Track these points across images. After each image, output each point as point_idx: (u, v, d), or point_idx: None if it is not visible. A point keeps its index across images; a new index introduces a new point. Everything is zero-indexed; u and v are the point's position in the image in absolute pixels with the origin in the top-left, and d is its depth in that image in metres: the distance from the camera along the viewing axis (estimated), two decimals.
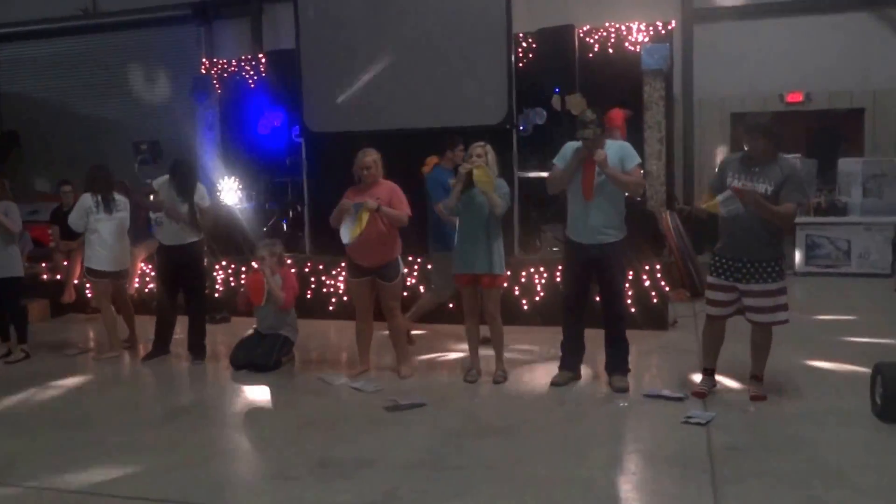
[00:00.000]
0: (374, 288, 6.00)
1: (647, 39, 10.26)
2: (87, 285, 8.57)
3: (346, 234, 5.70)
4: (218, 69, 12.79)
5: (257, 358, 6.26)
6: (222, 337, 7.48)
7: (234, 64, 12.70)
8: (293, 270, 7.60)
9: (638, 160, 5.44)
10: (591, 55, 9.89)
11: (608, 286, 5.50)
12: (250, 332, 6.62)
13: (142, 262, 8.66)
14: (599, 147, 5.29)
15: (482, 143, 5.70)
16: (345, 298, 8.07)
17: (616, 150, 5.39)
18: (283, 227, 9.36)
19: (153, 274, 8.62)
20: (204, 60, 12.98)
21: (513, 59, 7.78)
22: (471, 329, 5.88)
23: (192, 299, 6.76)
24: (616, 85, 9.52)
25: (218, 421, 5.24)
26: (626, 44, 10.18)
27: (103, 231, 6.82)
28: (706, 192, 5.37)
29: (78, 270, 8.76)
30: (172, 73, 14.34)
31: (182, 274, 6.68)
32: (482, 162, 5.54)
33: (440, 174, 6.45)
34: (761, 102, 11.28)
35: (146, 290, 8.67)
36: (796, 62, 11.12)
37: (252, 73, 12.56)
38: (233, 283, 8.50)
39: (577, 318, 5.65)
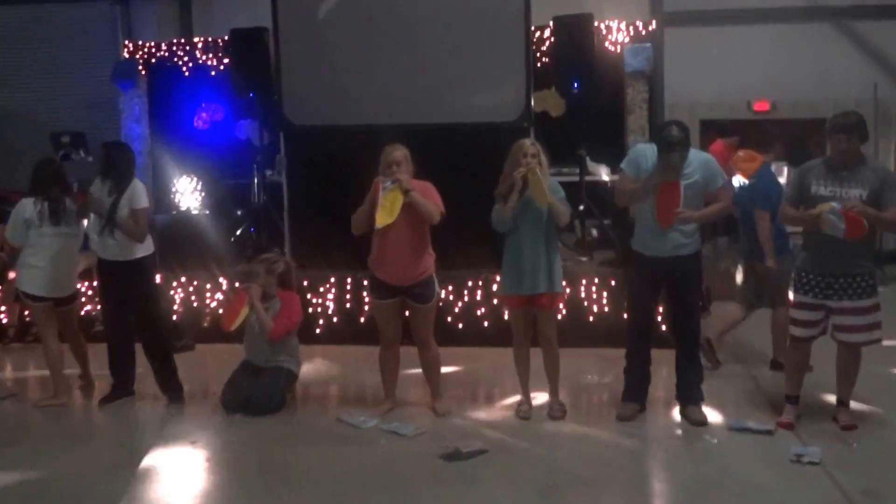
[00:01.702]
0: (403, 311, 5.13)
1: (626, 40, 9.81)
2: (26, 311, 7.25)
3: (375, 219, 4.83)
4: (144, 54, 11.46)
5: (256, 397, 5.19)
6: (191, 370, 6.03)
7: (165, 48, 11.41)
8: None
9: (724, 180, 4.88)
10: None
11: (683, 303, 4.93)
12: (238, 365, 5.51)
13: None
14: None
15: (532, 140, 4.97)
16: (334, 320, 7.12)
17: (699, 165, 4.79)
18: (252, 236, 8.25)
19: (90, 293, 7.42)
20: (127, 43, 11.58)
21: (531, 48, 7.05)
22: (522, 357, 5.14)
23: (146, 327, 5.49)
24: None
25: (231, 492, 4.16)
26: (607, 43, 9.68)
27: (45, 248, 5.44)
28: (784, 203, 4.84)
29: None
30: (84, 57, 12.72)
31: (130, 296, 5.41)
32: (536, 163, 4.79)
33: None
34: (729, 110, 11.05)
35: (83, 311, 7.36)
36: (763, 70, 11.00)
37: (186, 59, 11.30)
38: (195, 304, 7.34)
39: (647, 343, 5.01)
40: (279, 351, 5.40)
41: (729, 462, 4.35)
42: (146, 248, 5.45)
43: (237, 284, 5.41)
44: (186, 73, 11.23)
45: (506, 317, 6.83)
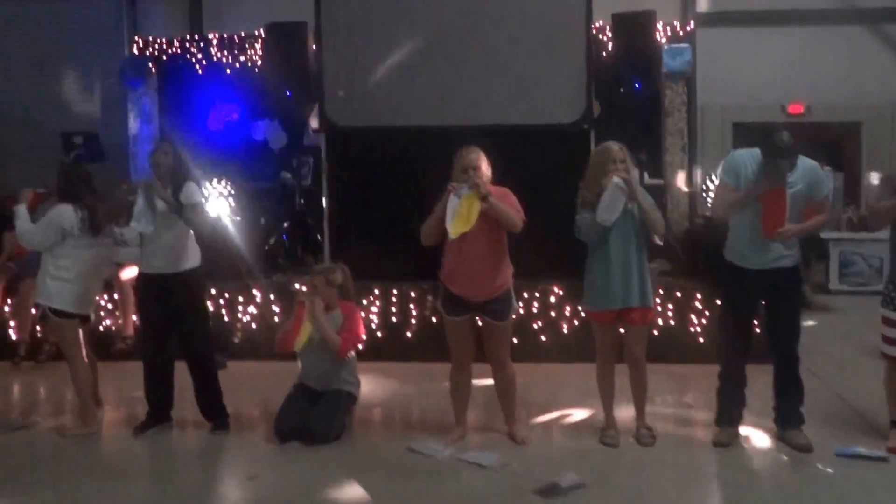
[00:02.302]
0: (477, 328, 4.71)
1: (663, 40, 9.44)
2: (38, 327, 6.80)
3: (450, 227, 4.40)
4: (154, 51, 10.96)
5: (316, 424, 4.72)
6: (226, 391, 5.29)
7: (177, 45, 10.91)
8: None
9: (829, 188, 4.56)
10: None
11: (783, 318, 4.55)
12: (293, 388, 5.04)
13: None
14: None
15: (620, 145, 4.61)
16: (378, 335, 6.68)
17: (804, 172, 4.44)
18: (284, 244, 7.78)
19: (109, 307, 6.95)
20: (136, 39, 11.07)
21: (592, 45, 6.66)
22: (607, 377, 4.74)
23: (194, 344, 5.01)
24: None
25: None
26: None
27: (80, 261, 4.98)
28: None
29: None
30: (88, 55, 12.18)
31: (177, 313, 4.93)
32: (625, 169, 4.44)
33: None
34: (763, 113, 10.71)
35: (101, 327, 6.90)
36: (797, 73, 10.72)
37: (200, 56, 10.81)
38: (226, 318, 6.87)
39: (744, 363, 4.61)
40: (340, 371, 4.96)
41: (853, 494, 3.98)
42: (195, 260, 4.99)
43: (298, 298, 4.91)
44: (199, 71, 10.74)
45: (564, 330, 6.53)
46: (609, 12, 8.75)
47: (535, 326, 6.56)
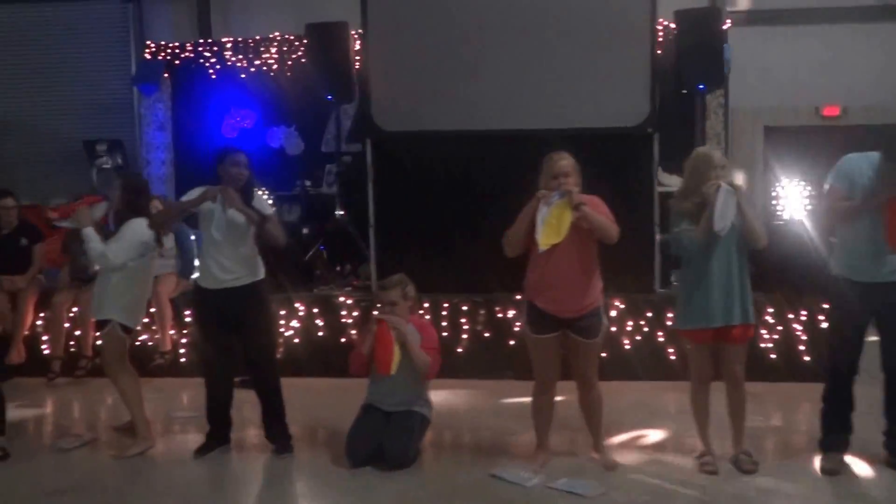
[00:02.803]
0: (564, 346, 4.37)
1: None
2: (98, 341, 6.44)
3: (540, 238, 4.09)
4: (166, 55, 10.57)
5: (392, 449, 4.39)
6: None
7: (190, 49, 10.53)
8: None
9: None
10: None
11: None
12: (361, 410, 4.69)
13: None
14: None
15: (722, 151, 4.27)
16: (459, 350, 6.32)
17: None
18: (322, 255, 7.40)
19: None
20: (149, 43, 10.67)
21: (656, 45, 6.34)
22: (703, 400, 4.41)
23: (262, 364, 4.73)
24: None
25: None
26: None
27: (148, 276, 4.94)
28: None
29: (29, 319, 6.54)
30: (93, 60, 11.73)
31: (242, 328, 4.64)
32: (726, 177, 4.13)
33: None
34: (796, 116, 10.41)
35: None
36: (833, 73, 10.35)
37: (213, 60, 10.43)
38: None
39: (852, 382, 4.29)
40: (414, 392, 4.62)
41: None
42: (261, 272, 4.71)
43: (377, 316, 4.54)
44: (213, 76, 10.36)
45: (626, 346, 6.19)
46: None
47: None
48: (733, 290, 4.16)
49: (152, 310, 6.49)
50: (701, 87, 7.05)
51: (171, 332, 6.58)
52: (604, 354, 6.13)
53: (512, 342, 6.20)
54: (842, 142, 10.37)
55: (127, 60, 11.16)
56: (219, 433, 4.82)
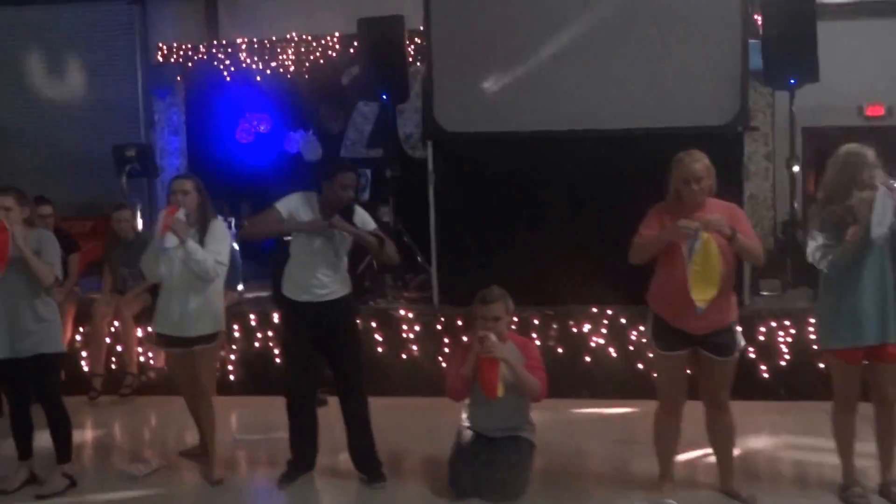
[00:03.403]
0: (693, 364, 3.95)
1: None
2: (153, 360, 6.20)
3: (693, 289, 3.64)
4: (179, 57, 10.06)
5: (502, 479, 3.96)
6: (331, 431, 4.65)
7: (203, 50, 10.03)
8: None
9: None
10: None
11: None
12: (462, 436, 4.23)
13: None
14: None
15: (873, 150, 3.86)
16: None
17: None
18: (373, 266, 6.89)
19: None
20: (161, 45, 10.15)
21: (748, 35, 5.89)
22: (849, 425, 3.96)
23: (352, 383, 4.34)
24: None
25: None
26: None
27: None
28: None
29: (68, 335, 6.03)
30: (98, 62, 11.15)
31: (330, 347, 4.29)
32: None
33: None
34: (837, 116, 10.03)
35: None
36: (876, 70, 9.95)
37: (228, 62, 9.93)
38: None
39: None
40: (519, 416, 4.17)
41: None
42: (349, 284, 4.37)
43: (478, 335, 4.07)
44: (228, 79, 9.86)
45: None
46: None
47: None
48: (887, 303, 3.75)
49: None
50: (792, 81, 6.60)
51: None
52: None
53: (588, 358, 5.78)
54: (887, 143, 10.09)
55: (132, 63, 10.65)
56: (302, 460, 4.40)
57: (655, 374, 4.00)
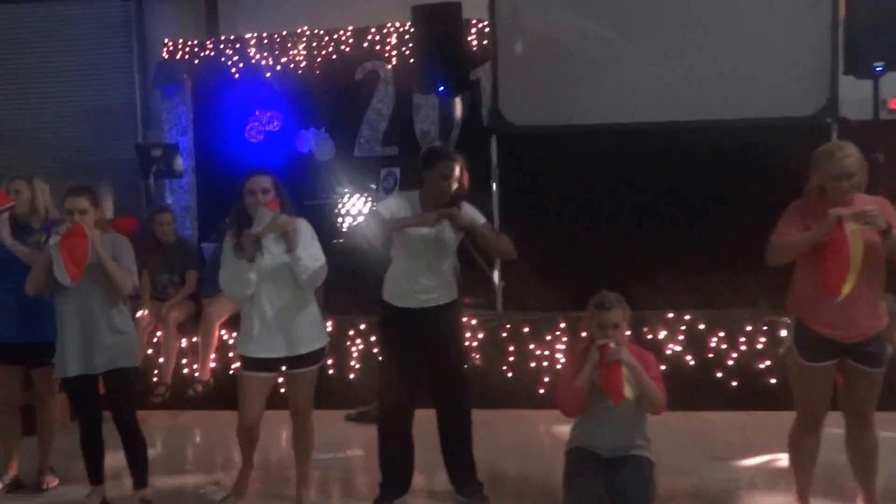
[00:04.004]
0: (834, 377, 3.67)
1: None
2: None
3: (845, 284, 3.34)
4: (185, 53, 9.59)
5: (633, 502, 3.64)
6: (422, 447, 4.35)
7: (210, 46, 9.57)
8: None
9: None
10: None
11: None
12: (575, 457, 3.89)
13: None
14: None
15: None
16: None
17: None
18: None
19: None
20: (167, 41, 9.67)
21: (838, 19, 5.61)
22: None
23: (457, 396, 4.02)
24: None
25: None
26: None
27: None
28: None
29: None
30: (92, 61, 10.57)
31: (433, 356, 3.96)
32: None
33: None
34: (858, 110, 9.84)
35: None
36: None
37: (236, 58, 9.49)
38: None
39: None
40: (637, 432, 3.83)
41: None
42: (457, 290, 4.10)
43: (598, 343, 3.73)
44: (236, 76, 9.43)
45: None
46: None
47: (762, 367, 5.49)
48: None
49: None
50: (878, 69, 6.29)
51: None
52: (771, 381, 5.51)
53: (663, 367, 5.46)
54: None
55: (129, 62, 10.19)
56: (396, 482, 4.05)
57: (796, 388, 3.69)
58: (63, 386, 4.06)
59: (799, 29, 5.50)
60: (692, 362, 5.46)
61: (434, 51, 6.48)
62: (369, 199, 7.17)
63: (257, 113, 9.35)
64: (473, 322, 5.64)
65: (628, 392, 3.59)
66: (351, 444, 4.19)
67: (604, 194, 5.64)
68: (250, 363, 3.91)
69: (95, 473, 4.06)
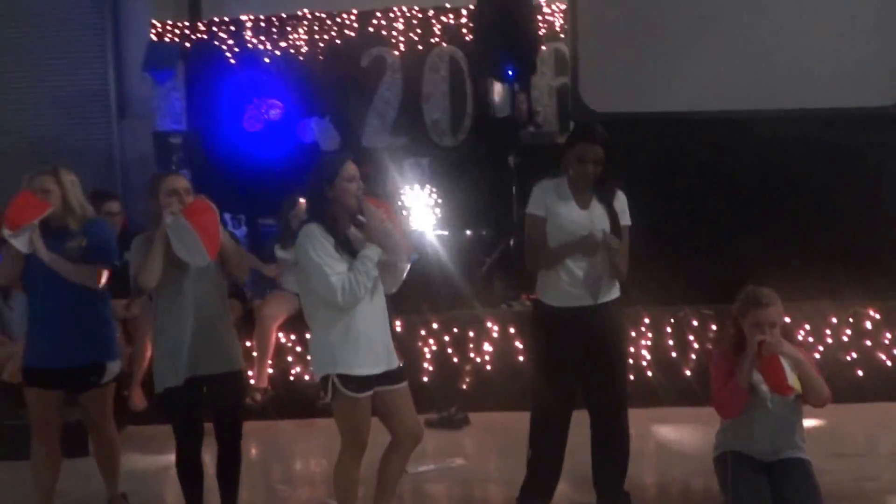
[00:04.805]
0: None
1: None
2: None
3: None
4: (175, 36, 8.97)
5: None
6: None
7: (203, 29, 8.98)
8: None
9: None
10: None
11: None
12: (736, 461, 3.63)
13: None
14: None
15: None
16: (649, 374, 5.29)
17: None
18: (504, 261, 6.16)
19: None
20: (155, 23, 9.01)
21: None
22: None
23: (617, 401, 3.71)
24: None
25: None
26: None
27: None
28: None
29: (149, 354, 5.06)
30: (63, 46, 9.81)
31: (593, 358, 3.63)
32: None
33: None
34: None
35: None
36: None
37: (231, 42, 8.91)
38: (455, 360, 5.27)
39: None
40: (795, 432, 3.61)
41: None
42: (618, 286, 3.71)
43: (757, 339, 3.46)
44: (232, 61, 8.88)
45: (887, 362, 5.36)
46: None
47: (848, 359, 5.35)
48: None
49: None
50: None
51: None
52: (859, 373, 5.39)
53: None
54: None
55: (102, 47, 9.42)
56: (543, 488, 3.73)
57: None
58: (160, 399, 3.52)
59: (880, 21, 5.38)
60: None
61: (502, 34, 6.12)
62: (432, 191, 6.73)
63: (256, 100, 8.80)
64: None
65: (795, 383, 3.39)
66: (447, 451, 3.81)
67: (687, 183, 5.44)
68: (354, 383, 3.27)
69: (196, 502, 3.54)
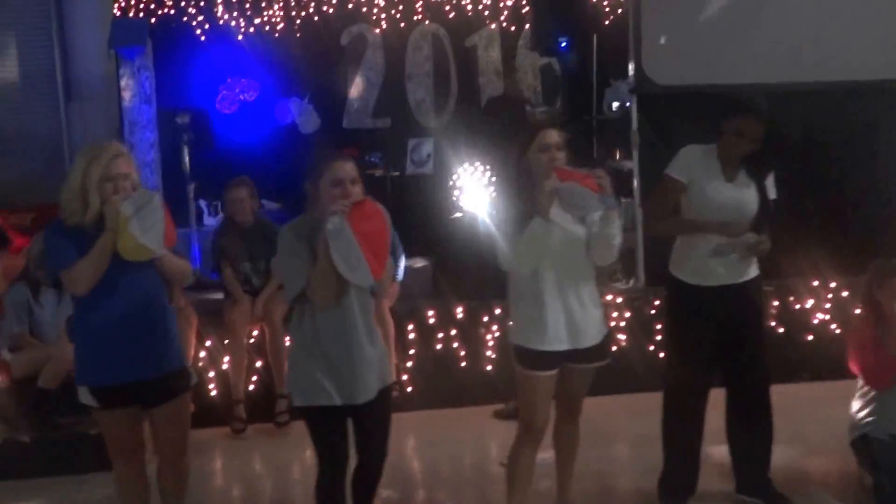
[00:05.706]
0: None
1: None
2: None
3: None
4: (140, 11, 8.27)
5: None
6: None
7: (169, 4, 8.31)
8: None
9: None
10: None
11: None
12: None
13: None
14: None
15: None
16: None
17: None
18: None
19: None
20: None
21: None
22: None
23: (756, 388, 3.53)
24: None
25: None
26: None
27: None
28: None
29: (191, 353, 4.61)
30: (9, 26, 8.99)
31: (733, 340, 3.46)
32: None
33: None
34: None
35: None
36: None
37: (201, 18, 8.29)
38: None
39: None
40: None
41: None
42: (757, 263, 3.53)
43: None
44: (202, 38, 8.29)
45: None
46: None
47: None
48: None
49: None
50: None
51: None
52: None
53: (810, 337, 5.24)
54: None
55: (44, 23, 8.68)
56: (688, 486, 3.55)
57: None
58: (310, 418, 3.00)
59: None
60: (838, 331, 5.25)
61: (556, 5, 5.83)
62: (487, 170, 6.37)
63: (229, 80, 8.27)
64: (619, 300, 5.12)
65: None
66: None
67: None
68: (538, 359, 3.12)
69: None
